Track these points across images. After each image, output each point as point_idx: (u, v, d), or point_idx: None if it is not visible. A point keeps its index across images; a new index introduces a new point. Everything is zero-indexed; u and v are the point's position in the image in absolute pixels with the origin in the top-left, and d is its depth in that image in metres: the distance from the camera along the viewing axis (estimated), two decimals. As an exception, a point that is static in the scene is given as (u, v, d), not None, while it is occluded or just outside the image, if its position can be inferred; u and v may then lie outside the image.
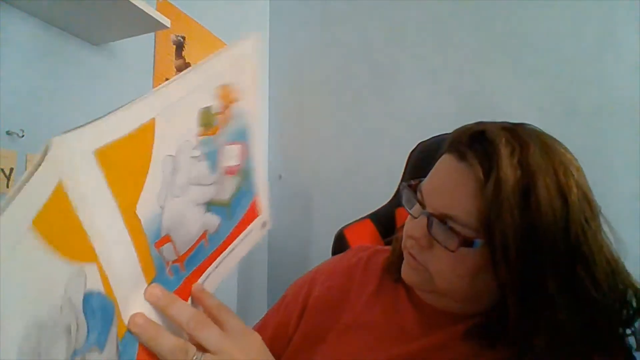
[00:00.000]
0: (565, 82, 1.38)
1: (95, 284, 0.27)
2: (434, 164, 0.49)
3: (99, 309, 0.27)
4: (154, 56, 1.30)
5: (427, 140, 0.91)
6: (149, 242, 0.31)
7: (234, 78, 0.37)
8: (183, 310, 0.34)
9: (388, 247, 0.60)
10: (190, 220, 0.36)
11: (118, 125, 0.27)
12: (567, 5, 1.39)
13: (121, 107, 0.27)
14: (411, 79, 1.65)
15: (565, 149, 0.44)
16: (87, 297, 0.26)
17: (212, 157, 0.36)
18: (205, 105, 0.34)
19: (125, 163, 0.28)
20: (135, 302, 0.31)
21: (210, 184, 0.37)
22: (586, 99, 1.34)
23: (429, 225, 0.44)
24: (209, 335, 0.34)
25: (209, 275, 0.40)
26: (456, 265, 0.43)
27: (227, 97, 0.37)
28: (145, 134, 0.29)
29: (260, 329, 0.61)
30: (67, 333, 0.25)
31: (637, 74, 1.27)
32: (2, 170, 0.86)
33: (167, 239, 0.33)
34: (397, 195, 0.95)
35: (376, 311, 0.53)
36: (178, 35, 1.39)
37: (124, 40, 1.11)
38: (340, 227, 0.90)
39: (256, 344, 0.39)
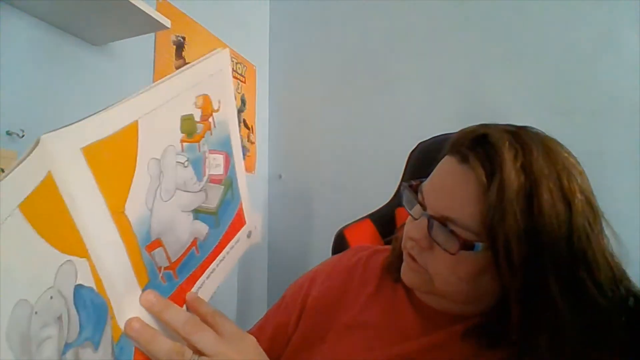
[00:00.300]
0: (565, 82, 1.38)
1: (86, 279, 0.27)
2: (434, 164, 0.48)
3: (91, 305, 0.28)
4: (154, 56, 1.29)
5: (427, 140, 0.91)
6: (140, 245, 0.32)
7: (211, 89, 0.39)
8: (178, 314, 0.34)
9: (388, 247, 0.60)
10: (180, 227, 0.37)
11: (102, 125, 0.28)
12: (567, 5, 1.39)
13: (103, 109, 0.28)
14: (411, 79, 1.65)
15: (569, 152, 0.44)
16: (78, 291, 0.27)
17: (197, 164, 0.38)
18: (186, 113, 0.36)
19: (111, 162, 0.29)
20: (130, 308, 0.32)
21: (198, 191, 0.38)
22: (586, 100, 1.34)
23: (430, 227, 0.43)
24: (205, 338, 0.34)
25: (202, 284, 0.41)
26: (456, 267, 0.43)
27: (207, 106, 0.39)
28: (128, 135, 0.30)
29: (259, 329, 0.61)
30: (57, 323, 0.25)
31: (637, 74, 1.27)
32: (2, 170, 0.86)
33: (158, 243, 0.34)
34: (397, 195, 0.95)
35: (375, 311, 0.53)
36: (178, 36, 1.39)
37: (124, 40, 1.11)
38: (340, 227, 0.90)
39: (252, 347, 0.39)
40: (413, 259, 0.47)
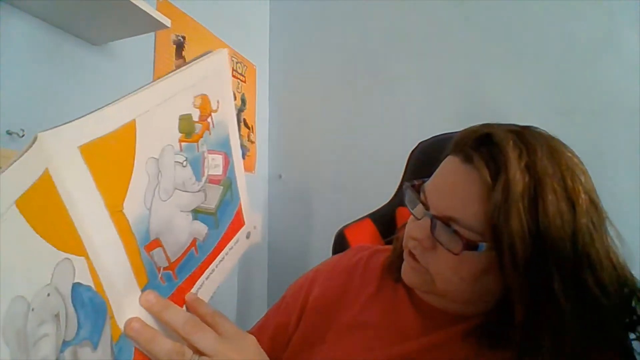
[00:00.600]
0: (565, 82, 1.37)
1: (84, 277, 0.27)
2: (435, 164, 0.48)
3: (89, 303, 0.28)
4: (154, 56, 1.29)
5: (428, 140, 0.91)
6: (139, 244, 0.32)
7: (209, 90, 0.39)
8: (177, 314, 0.34)
9: (388, 247, 0.60)
10: (179, 227, 0.36)
11: (100, 124, 0.28)
12: (567, 5, 1.39)
13: (100, 107, 0.28)
14: (411, 79, 1.65)
15: (572, 152, 0.44)
16: (76, 289, 0.27)
17: (196, 164, 0.38)
18: (184, 113, 0.36)
19: (109, 161, 0.29)
20: (129, 308, 0.32)
21: (196, 192, 0.38)
22: (586, 100, 1.34)
23: (433, 227, 0.43)
24: (205, 337, 0.34)
25: (202, 285, 0.41)
26: (459, 267, 0.43)
27: (206, 107, 0.38)
28: (126, 134, 0.30)
29: (260, 329, 0.61)
30: (55, 321, 0.25)
31: (636, 74, 1.27)
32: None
33: (157, 243, 0.34)
34: (398, 195, 0.95)
35: (376, 311, 0.53)
36: (178, 35, 1.39)
37: (124, 40, 1.11)
38: (340, 227, 0.90)
39: (252, 346, 0.39)
40: (414, 258, 0.47)
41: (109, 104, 0.29)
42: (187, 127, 0.36)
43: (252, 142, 1.83)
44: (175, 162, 0.35)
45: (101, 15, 0.95)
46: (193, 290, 0.40)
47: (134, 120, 0.30)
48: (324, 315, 0.56)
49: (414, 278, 0.48)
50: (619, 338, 0.41)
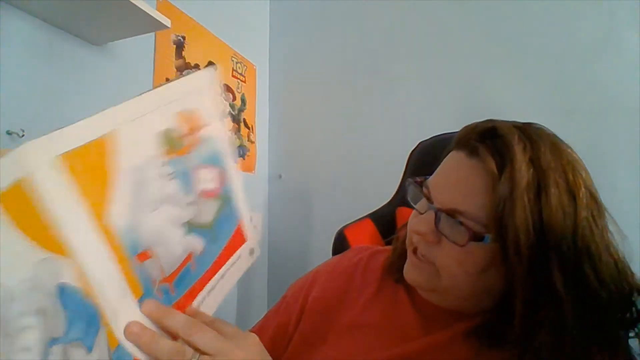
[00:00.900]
0: (565, 82, 1.37)
1: (72, 279, 0.28)
2: (435, 164, 0.49)
3: (80, 304, 0.28)
4: (154, 56, 1.29)
5: (428, 140, 0.91)
6: (128, 254, 0.32)
7: (195, 105, 0.39)
8: (177, 318, 0.34)
9: (388, 247, 0.60)
10: (171, 240, 0.36)
11: (83, 133, 0.28)
12: (567, 5, 1.39)
13: (81, 119, 0.29)
14: (411, 79, 1.65)
15: (572, 149, 0.45)
16: (63, 288, 0.27)
17: (184, 178, 0.37)
18: (169, 126, 0.36)
19: (92, 170, 0.29)
20: (127, 317, 0.32)
21: (187, 205, 0.38)
22: (586, 100, 1.34)
23: (437, 221, 0.44)
24: (205, 337, 0.34)
25: (203, 300, 0.41)
26: (464, 260, 0.43)
27: (191, 122, 0.38)
28: (107, 144, 0.30)
29: (260, 329, 0.61)
30: (39, 315, 0.26)
31: (636, 74, 1.27)
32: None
33: (148, 254, 0.34)
34: (398, 195, 0.95)
35: (376, 311, 0.53)
36: (178, 35, 1.39)
37: (124, 40, 1.11)
38: (340, 227, 0.90)
39: (254, 344, 0.39)
40: (417, 254, 0.47)
41: (92, 115, 0.29)
42: (172, 141, 0.36)
43: (252, 142, 1.83)
44: (160, 174, 0.35)
45: (101, 15, 0.95)
46: (194, 304, 0.39)
47: (116, 130, 0.31)
48: (324, 315, 0.56)
49: (417, 276, 0.48)
50: (618, 337, 0.41)
